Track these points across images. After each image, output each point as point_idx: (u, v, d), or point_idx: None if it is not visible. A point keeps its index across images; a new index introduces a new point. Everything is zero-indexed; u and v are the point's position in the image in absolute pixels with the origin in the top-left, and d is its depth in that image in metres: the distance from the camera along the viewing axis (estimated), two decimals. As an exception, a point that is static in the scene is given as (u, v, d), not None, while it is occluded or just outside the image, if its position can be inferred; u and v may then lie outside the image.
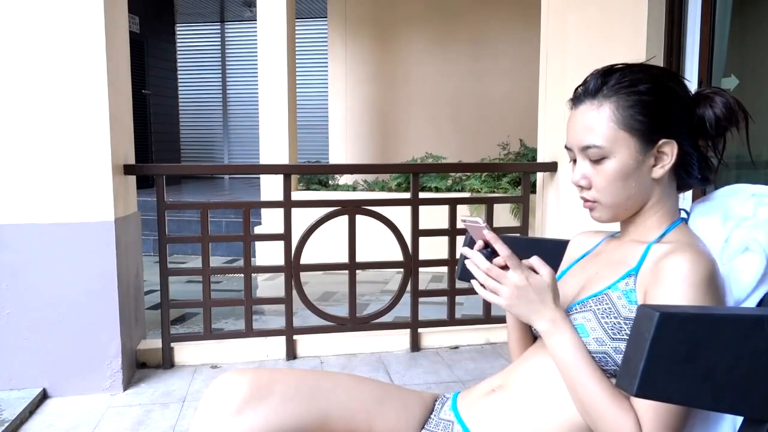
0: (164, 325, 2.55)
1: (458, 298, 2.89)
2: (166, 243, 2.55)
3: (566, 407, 0.94)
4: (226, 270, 3.52)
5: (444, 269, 2.82)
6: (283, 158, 5.03)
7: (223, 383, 1.01)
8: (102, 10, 2.16)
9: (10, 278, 2.16)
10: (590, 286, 1.00)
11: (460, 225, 2.72)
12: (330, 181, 5.46)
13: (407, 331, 2.77)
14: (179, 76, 9.46)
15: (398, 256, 2.74)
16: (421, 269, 2.77)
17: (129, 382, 2.36)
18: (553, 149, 2.81)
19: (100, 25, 2.16)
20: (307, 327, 2.75)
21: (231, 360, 2.61)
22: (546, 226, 2.91)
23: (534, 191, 3.14)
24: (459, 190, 4.84)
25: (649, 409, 0.84)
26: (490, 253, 0.95)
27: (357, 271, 2.76)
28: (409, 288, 2.76)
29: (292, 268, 2.64)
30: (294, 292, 2.65)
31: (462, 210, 2.75)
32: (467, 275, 1.15)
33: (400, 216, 2.79)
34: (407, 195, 2.92)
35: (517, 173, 4.48)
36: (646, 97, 0.95)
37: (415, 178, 2.77)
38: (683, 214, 1.04)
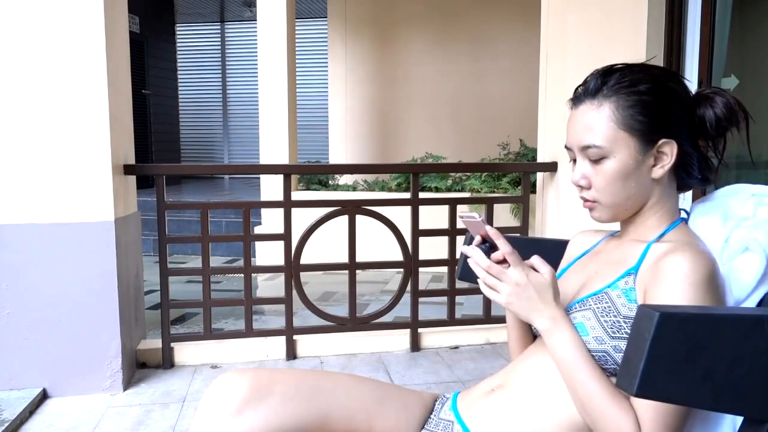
0: (164, 325, 2.55)
1: (458, 298, 2.89)
2: (166, 243, 2.55)
3: (566, 406, 0.94)
4: (226, 270, 3.52)
5: (444, 269, 2.82)
6: (283, 158, 5.03)
7: (223, 383, 1.01)
8: (102, 10, 2.16)
9: (10, 278, 2.16)
10: (590, 284, 1.00)
11: (460, 225, 2.72)
12: (330, 181, 5.46)
13: (407, 331, 2.77)
14: (179, 76, 9.46)
15: (398, 256, 2.74)
16: (421, 269, 2.77)
17: (129, 382, 2.36)
18: (553, 149, 2.81)
19: (100, 25, 2.16)
20: (307, 327, 2.75)
21: (231, 360, 2.61)
22: (546, 226, 2.91)
23: (534, 191, 3.14)
24: (459, 190, 4.84)
25: (648, 408, 0.84)
26: (488, 248, 0.95)
27: (357, 271, 2.76)
28: (409, 288, 2.76)
29: (292, 268, 2.64)
30: (294, 292, 2.65)
31: (462, 210, 2.74)
32: (467, 275, 1.15)
33: (400, 216, 2.79)
34: (407, 195, 2.92)
35: (517, 173, 4.48)
36: (646, 97, 0.95)
37: (415, 178, 2.77)
38: (683, 214, 1.04)
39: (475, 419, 1.03)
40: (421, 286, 2.88)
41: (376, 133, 7.01)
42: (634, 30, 2.41)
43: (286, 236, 2.63)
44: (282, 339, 2.66)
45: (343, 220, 2.70)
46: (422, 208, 2.73)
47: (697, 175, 1.00)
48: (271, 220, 4.90)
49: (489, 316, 2.82)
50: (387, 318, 2.81)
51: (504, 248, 0.93)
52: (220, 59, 9.96)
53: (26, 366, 2.19)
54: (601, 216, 1.02)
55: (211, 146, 10.10)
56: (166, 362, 2.54)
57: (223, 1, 8.98)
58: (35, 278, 2.17)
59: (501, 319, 2.78)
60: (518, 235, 2.86)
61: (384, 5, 6.80)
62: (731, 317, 0.74)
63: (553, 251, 1.21)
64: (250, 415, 0.97)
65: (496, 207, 2.87)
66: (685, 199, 1.14)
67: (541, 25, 2.84)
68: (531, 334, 1.14)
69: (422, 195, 2.76)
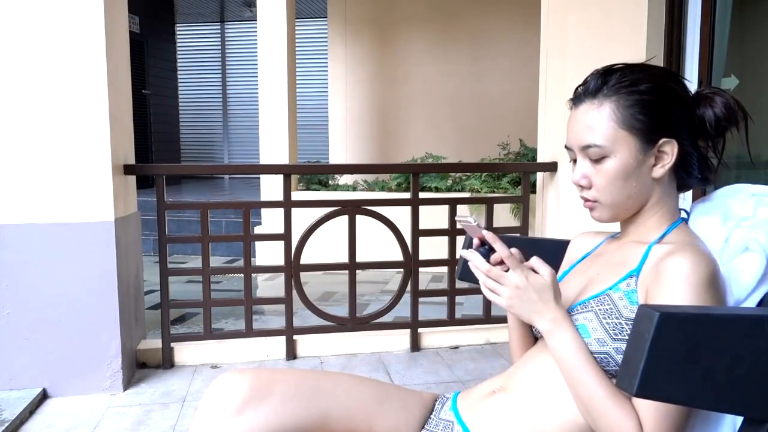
0: (164, 325, 2.55)
1: (458, 298, 2.89)
2: (166, 243, 2.55)
3: (567, 409, 0.94)
4: (226, 270, 3.51)
5: (444, 269, 2.82)
6: (283, 158, 5.03)
7: (223, 383, 1.01)
8: (102, 10, 2.16)
9: (10, 278, 2.16)
10: (591, 286, 1.00)
11: (459, 226, 2.72)
12: (330, 181, 5.46)
13: (407, 331, 2.77)
14: (179, 76, 9.46)
15: (398, 256, 2.74)
16: (421, 269, 2.77)
17: (129, 382, 2.36)
18: (553, 149, 2.81)
19: (100, 25, 2.16)
20: (307, 327, 2.75)
21: (231, 360, 2.61)
22: (546, 226, 2.91)
23: (534, 191, 3.14)
24: (459, 190, 4.84)
25: (650, 409, 0.84)
26: (487, 250, 0.95)
27: (357, 271, 2.76)
28: (409, 288, 2.76)
29: (292, 268, 2.64)
30: (294, 292, 2.65)
31: (462, 210, 2.75)
32: (467, 275, 1.15)
33: (400, 216, 2.79)
34: (407, 195, 2.92)
35: (517, 173, 4.48)
36: (646, 96, 0.95)
37: (415, 178, 2.77)
38: (683, 214, 1.04)
39: (476, 420, 1.03)
40: (421, 286, 2.88)
41: (376, 133, 7.01)
42: (634, 30, 2.41)
43: (286, 236, 2.63)
44: (282, 339, 2.66)
45: (343, 220, 2.70)
46: (422, 208, 2.73)
47: (697, 174, 1.00)
48: (271, 220, 4.90)
49: (489, 316, 2.82)
50: (387, 318, 2.81)
51: (502, 252, 0.93)
52: (220, 59, 9.96)
53: (26, 366, 2.19)
54: (602, 216, 1.02)
55: (211, 146, 10.10)
56: (166, 362, 2.54)
57: (223, 1, 8.98)
58: (35, 278, 2.17)
59: (501, 319, 2.78)
60: (518, 235, 2.86)
61: (384, 5, 6.80)
62: (731, 317, 0.74)
63: (553, 251, 1.21)
64: (250, 415, 0.97)
65: (496, 207, 2.87)
66: (685, 199, 1.14)
67: (541, 25, 2.84)
68: (532, 336, 1.14)
69: (422, 195, 2.76)
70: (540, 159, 2.92)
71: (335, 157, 7.08)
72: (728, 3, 2.42)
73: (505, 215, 4.33)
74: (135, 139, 2.58)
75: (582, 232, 1.21)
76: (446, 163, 4.95)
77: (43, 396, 2.20)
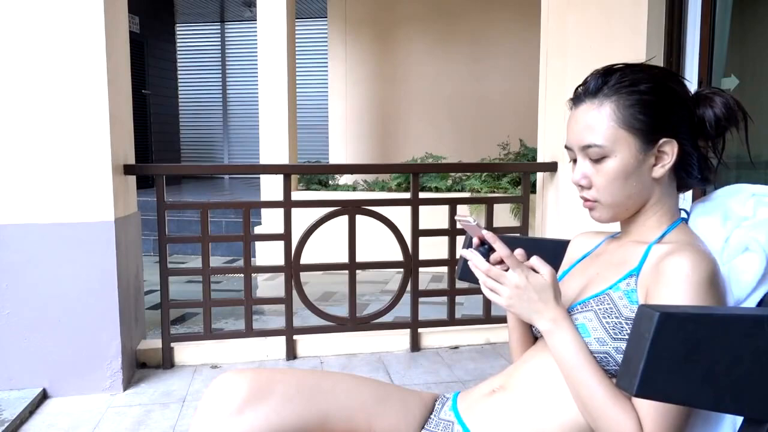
0: (164, 325, 2.55)
1: (458, 298, 2.89)
2: (166, 243, 2.55)
3: (567, 408, 0.94)
4: (226, 270, 3.51)
5: (444, 269, 2.82)
6: (283, 158, 5.03)
7: (223, 383, 1.01)
8: (102, 10, 2.16)
9: (10, 278, 2.16)
10: (591, 286, 1.00)
11: (460, 226, 2.72)
12: (330, 181, 5.46)
13: (407, 331, 2.77)
14: (179, 76, 9.46)
15: (398, 256, 2.74)
16: (421, 269, 2.77)
17: (129, 382, 2.36)
18: (553, 149, 2.81)
19: (100, 25, 2.16)
20: (307, 327, 2.75)
21: (231, 360, 2.61)
22: (546, 226, 2.91)
23: (534, 191, 3.14)
24: (459, 190, 4.84)
25: (650, 409, 0.84)
26: (487, 249, 0.96)
27: (357, 271, 2.76)
28: (409, 288, 2.76)
29: (292, 268, 2.64)
30: (294, 292, 2.65)
31: (462, 210, 2.75)
32: (467, 275, 1.16)
33: (400, 216, 2.79)
34: (407, 195, 2.92)
35: (517, 173, 4.48)
36: (646, 96, 0.95)
37: (415, 178, 2.77)
38: (683, 214, 1.04)
39: (476, 420, 1.03)
40: (421, 286, 2.88)
41: (376, 133, 7.01)
42: (634, 30, 2.41)
43: (286, 236, 2.63)
44: (282, 339, 2.66)
45: (343, 220, 2.70)
46: (422, 208, 2.73)
47: (697, 174, 1.00)
48: (271, 220, 4.90)
49: (489, 316, 2.82)
50: (387, 318, 2.81)
51: (502, 252, 0.93)
52: (220, 59, 9.96)
53: (26, 366, 2.19)
54: (602, 216, 1.02)
55: (211, 146, 10.10)
56: (166, 362, 2.54)
57: (223, 1, 8.98)
58: (35, 278, 2.17)
59: (501, 319, 2.78)
60: (518, 235, 2.87)
61: (384, 5, 6.80)
62: (731, 317, 0.74)
63: (553, 251, 1.21)
64: (251, 415, 0.97)
65: (496, 207, 2.87)
66: (685, 199, 1.14)
67: (541, 25, 2.84)
68: (532, 335, 1.14)
69: (422, 195, 2.76)
70: (540, 159, 2.92)
71: (335, 157, 7.08)
72: (728, 3, 2.42)
73: (505, 215, 4.33)
74: (135, 139, 2.58)
75: (582, 232, 1.21)
76: (446, 163, 4.95)
77: (43, 396, 2.20)
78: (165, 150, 8.60)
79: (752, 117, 1.00)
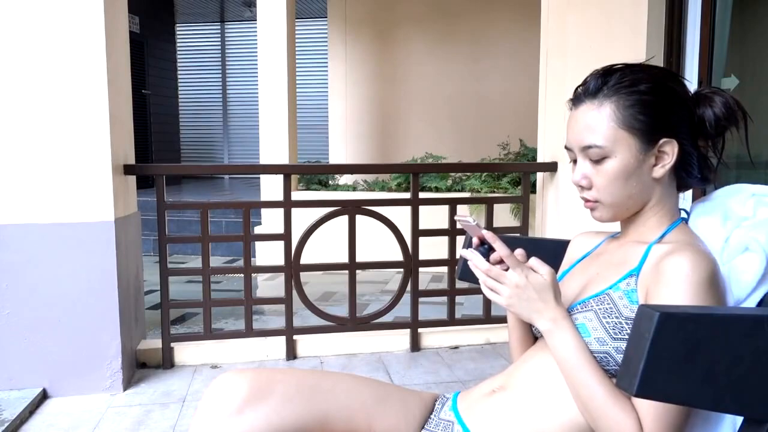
0: (164, 325, 2.55)
1: (458, 298, 2.89)
2: (166, 243, 2.55)
3: (567, 408, 0.94)
4: (226, 270, 3.51)
5: (444, 269, 2.82)
6: (283, 158, 5.03)
7: (223, 383, 1.01)
8: (102, 10, 2.16)
9: (10, 278, 2.16)
10: (591, 286, 1.00)
11: (459, 226, 2.72)
12: (330, 181, 5.46)
13: (407, 331, 2.77)
14: (179, 76, 9.46)
15: (398, 256, 2.74)
16: (421, 269, 2.77)
17: (129, 382, 2.36)
18: (553, 149, 2.81)
19: (100, 25, 2.16)
20: (307, 327, 2.75)
21: (231, 360, 2.61)
22: (546, 226, 2.91)
23: (534, 191, 3.14)
24: (459, 190, 4.85)
25: (650, 409, 0.84)
26: (487, 249, 0.96)
27: (357, 271, 2.76)
28: (409, 288, 2.76)
29: (292, 268, 2.64)
30: (294, 292, 2.65)
31: (462, 210, 2.75)
32: (467, 275, 1.16)
33: (400, 216, 2.79)
34: (407, 195, 2.92)
35: (517, 173, 4.48)
36: (646, 96, 0.95)
37: (415, 178, 2.77)
38: (683, 214, 1.04)
39: (476, 420, 1.03)
40: (421, 286, 2.88)
41: (376, 133, 7.01)
42: (634, 30, 2.41)
43: (286, 236, 2.63)
44: (282, 339, 2.66)
45: (343, 220, 2.70)
46: (422, 208, 2.73)
47: (697, 174, 1.00)
48: (271, 220, 4.90)
49: (489, 316, 2.82)
50: (387, 318, 2.81)
51: (502, 251, 0.93)
52: (220, 59, 9.96)
53: (26, 366, 2.19)
54: (603, 216, 1.02)
55: (211, 146, 10.10)
56: (166, 362, 2.54)
57: (223, 1, 8.98)
58: (35, 278, 2.17)
59: (501, 319, 2.78)
60: (518, 235, 2.86)
61: (384, 5, 6.80)
62: (731, 317, 0.74)
63: (553, 251, 1.21)
64: (251, 415, 0.97)
65: (496, 207, 2.87)
66: (685, 199, 1.14)
67: (541, 25, 2.84)
68: (532, 335, 1.14)
69: (422, 195, 2.76)
70: (540, 159, 2.92)
71: (335, 157, 7.08)
72: (728, 3, 2.42)
73: (505, 215, 4.33)
74: (135, 139, 2.58)
75: (582, 232, 1.21)
76: (446, 163, 4.95)
77: (43, 396, 2.20)
78: (165, 150, 8.60)
79: (752, 117, 1.00)
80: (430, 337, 2.80)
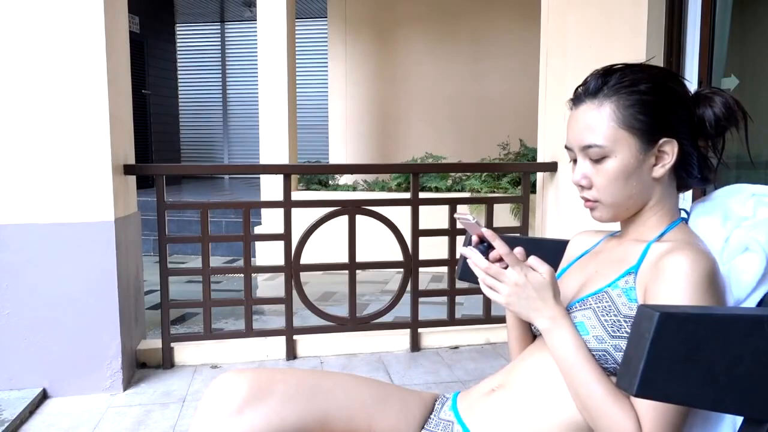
0: (164, 325, 2.55)
1: (458, 298, 2.89)
2: (166, 243, 2.55)
3: (566, 406, 0.94)
4: (226, 270, 3.51)
5: (444, 269, 2.82)
6: (283, 158, 5.03)
7: (223, 383, 1.01)
8: (102, 10, 2.16)
9: (10, 278, 2.16)
10: (590, 284, 1.00)
11: (459, 225, 2.72)
12: (330, 181, 5.46)
13: (407, 331, 2.77)
14: (179, 76, 9.46)
15: (398, 256, 2.74)
16: (421, 269, 2.77)
17: (129, 382, 2.36)
18: (553, 149, 2.81)
19: (100, 25, 2.16)
20: (307, 327, 2.75)
21: (231, 360, 2.61)
22: (546, 226, 2.91)
23: (534, 191, 3.14)
24: (459, 190, 4.85)
25: (649, 408, 0.84)
26: (486, 247, 0.96)
27: (357, 271, 2.76)
28: (409, 288, 2.76)
29: (292, 268, 2.64)
30: (294, 292, 2.65)
31: (461, 209, 2.74)
32: (467, 275, 1.16)
33: (400, 216, 2.79)
34: (407, 195, 2.92)
35: (517, 173, 4.48)
36: (646, 96, 0.95)
37: (415, 178, 2.77)
38: (683, 214, 1.04)
39: (475, 419, 1.03)
40: (421, 286, 2.88)
41: (376, 133, 7.01)
42: (634, 30, 2.41)
43: (286, 236, 2.63)
44: (282, 339, 2.66)
45: (343, 220, 2.70)
46: (422, 208, 2.73)
47: (697, 174, 1.00)
48: (271, 220, 4.90)
49: (489, 316, 2.82)
50: (387, 318, 2.81)
51: (501, 249, 0.93)
52: (220, 59, 9.96)
53: (26, 366, 2.19)
54: (603, 216, 1.02)
55: (211, 146, 10.10)
56: (166, 362, 2.54)
57: (223, 1, 8.98)
58: (35, 278, 2.17)
59: (501, 319, 2.78)
60: (518, 235, 2.86)
61: (384, 5, 6.80)
62: (731, 317, 0.74)
63: (553, 251, 1.21)
64: (251, 415, 0.97)
65: (496, 207, 2.87)
66: (685, 199, 1.14)
67: (541, 25, 2.84)
68: (531, 334, 1.14)
69: (422, 195, 2.76)
70: (540, 159, 2.92)
71: (335, 157, 7.08)
72: (728, 3, 2.42)
73: (505, 215, 4.33)
74: (135, 139, 2.58)
75: (581, 231, 1.21)
76: (446, 163, 4.95)
77: (43, 396, 2.20)
78: (165, 150, 8.60)
79: (752, 117, 1.00)
80: (430, 337, 2.80)
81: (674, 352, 0.69)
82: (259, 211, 5.25)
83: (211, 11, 9.42)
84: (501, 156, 5.47)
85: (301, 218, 2.71)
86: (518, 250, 0.96)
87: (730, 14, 2.43)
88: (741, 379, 0.71)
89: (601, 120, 0.96)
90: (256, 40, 5.38)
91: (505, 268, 0.93)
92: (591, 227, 1.18)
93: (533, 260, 0.95)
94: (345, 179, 5.73)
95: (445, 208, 2.78)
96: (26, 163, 2.14)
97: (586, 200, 1.02)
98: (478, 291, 0.99)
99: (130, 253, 2.42)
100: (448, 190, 4.87)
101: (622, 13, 2.44)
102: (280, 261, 2.66)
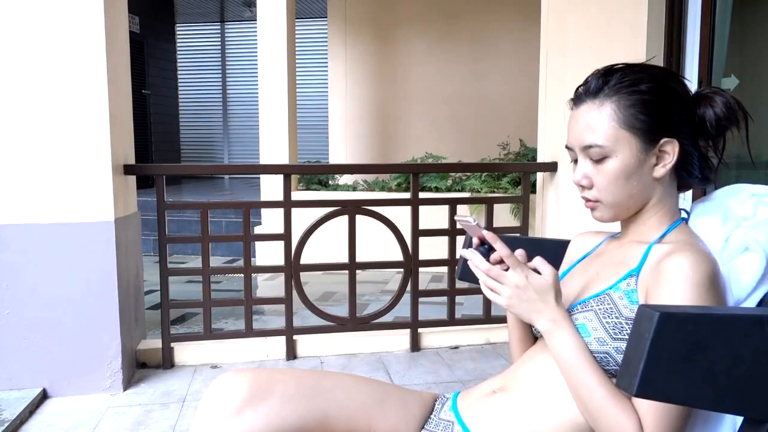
0: (164, 325, 2.54)
1: (458, 298, 2.89)
2: (166, 243, 2.55)
3: (567, 409, 0.94)
4: (226, 270, 3.51)
5: (444, 269, 2.82)
6: (283, 158, 5.04)
7: (223, 383, 1.01)
8: (102, 10, 2.16)
9: (10, 278, 2.16)
10: (591, 286, 1.00)
11: (460, 227, 2.72)
12: (330, 181, 5.46)
13: (407, 331, 2.77)
14: (179, 76, 9.46)
15: (398, 256, 2.74)
16: (421, 269, 2.77)
17: (129, 382, 2.36)
18: (553, 149, 2.80)
19: (100, 25, 2.16)
20: (307, 327, 2.75)
21: (231, 360, 2.61)
22: (546, 226, 2.91)
23: (534, 191, 3.14)
24: (459, 190, 4.84)
25: (650, 409, 0.84)
26: (487, 249, 0.95)
27: (357, 271, 2.76)
28: (409, 288, 2.76)
29: (292, 268, 2.64)
30: (294, 292, 2.65)
31: (462, 210, 2.75)
32: (467, 275, 1.15)
33: (400, 216, 2.79)
34: (407, 195, 2.92)
35: (517, 173, 4.47)
36: (647, 96, 0.95)
37: (415, 178, 2.77)
38: (683, 214, 1.04)
39: (476, 419, 1.03)
40: (421, 286, 2.88)
41: (376, 133, 7.01)
42: (634, 30, 2.41)
43: (286, 236, 2.63)
44: (282, 339, 2.66)
45: (343, 220, 2.70)
46: (422, 208, 2.73)
47: (698, 174, 1.00)
48: (271, 220, 4.91)
49: (489, 316, 2.82)
50: (387, 318, 2.81)
51: (502, 251, 0.92)
52: (220, 59, 9.96)
53: (26, 366, 2.19)
54: (603, 216, 1.02)
55: (211, 146, 10.10)
56: (166, 362, 2.54)
57: (223, 1, 8.98)
58: (35, 278, 2.17)
59: (501, 319, 2.78)
60: (518, 235, 2.86)
61: (384, 5, 6.80)
62: (731, 317, 0.74)
63: (553, 251, 1.21)
64: (251, 415, 0.97)
65: (496, 207, 2.87)
66: (685, 199, 1.14)
67: (541, 25, 2.84)
68: (532, 335, 1.14)
69: (422, 195, 2.76)
70: (540, 159, 2.92)
71: (335, 157, 7.08)
72: (728, 3, 2.42)
73: (505, 215, 4.33)
74: (135, 139, 2.58)
75: (582, 232, 1.21)
76: (446, 163, 4.95)
77: (43, 396, 2.20)
78: (165, 150, 8.60)
79: (752, 117, 1.00)
80: (430, 337, 2.80)
81: (674, 352, 0.69)
82: (259, 211, 5.25)
83: (211, 11, 9.42)
84: (501, 156, 5.47)
85: (301, 218, 2.71)
86: (519, 252, 0.96)
87: (730, 14, 2.43)
88: (741, 379, 0.71)
89: (602, 120, 0.96)
90: (256, 40, 5.38)
91: (506, 270, 0.93)
92: (591, 227, 1.18)
93: (538, 261, 0.95)
94: (345, 179, 5.73)
95: (445, 208, 2.78)
96: (26, 163, 2.14)
97: (587, 200, 1.02)
98: (478, 291, 0.99)
99: (130, 253, 2.42)
100: (448, 190, 4.87)
101: (622, 13, 2.44)
102: (280, 261, 2.66)
